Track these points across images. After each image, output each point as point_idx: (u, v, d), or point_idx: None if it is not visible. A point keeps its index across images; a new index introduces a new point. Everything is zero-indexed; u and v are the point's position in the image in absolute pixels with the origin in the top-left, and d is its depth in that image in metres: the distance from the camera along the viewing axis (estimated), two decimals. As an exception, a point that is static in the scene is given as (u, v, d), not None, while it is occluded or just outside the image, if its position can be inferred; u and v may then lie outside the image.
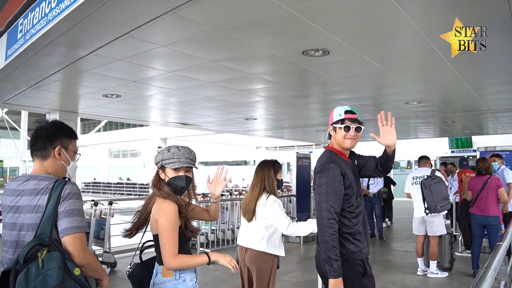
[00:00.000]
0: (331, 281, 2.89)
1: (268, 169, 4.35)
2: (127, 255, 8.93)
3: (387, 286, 6.58)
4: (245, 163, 38.85)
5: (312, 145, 26.32)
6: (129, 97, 8.19)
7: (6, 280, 2.07)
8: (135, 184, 37.82)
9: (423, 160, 7.73)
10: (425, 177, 7.07)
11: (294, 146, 28.27)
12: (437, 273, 7.16)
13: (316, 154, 24.56)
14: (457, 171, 11.08)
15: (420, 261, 7.40)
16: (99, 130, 38.81)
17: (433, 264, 7.20)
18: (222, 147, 30.72)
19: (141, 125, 25.41)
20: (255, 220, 4.25)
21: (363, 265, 3.11)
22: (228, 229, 9.96)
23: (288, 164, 28.56)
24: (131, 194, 35.27)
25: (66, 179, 2.37)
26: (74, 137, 2.56)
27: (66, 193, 2.23)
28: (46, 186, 2.25)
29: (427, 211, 6.97)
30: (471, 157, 18.15)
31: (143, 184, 35.03)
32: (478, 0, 3.90)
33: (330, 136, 3.31)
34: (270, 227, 4.18)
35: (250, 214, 4.25)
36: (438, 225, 7.14)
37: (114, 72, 6.25)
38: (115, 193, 37.63)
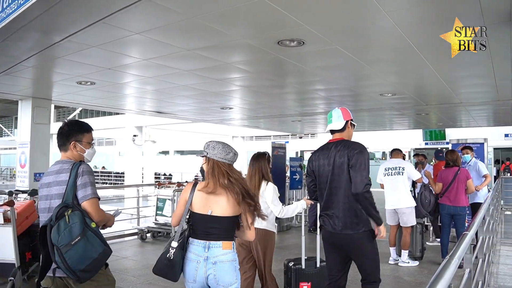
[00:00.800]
0: (381, 227, 3.98)
1: (263, 160, 4.96)
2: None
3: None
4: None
5: (288, 135, 26.43)
6: (104, 85, 8.10)
7: (44, 233, 3.01)
8: (110, 172, 37.47)
9: (395, 152, 7.88)
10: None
11: (270, 136, 28.31)
12: (408, 262, 7.31)
13: (292, 144, 24.68)
14: (431, 163, 11.28)
15: (392, 250, 7.54)
16: (74, 118, 38.25)
17: (404, 253, 7.35)
18: (199, 136, 30.57)
19: (117, 113, 25.07)
20: None
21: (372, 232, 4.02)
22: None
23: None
24: (106, 183, 34.95)
25: (82, 161, 3.30)
26: (87, 131, 3.38)
27: (81, 171, 3.15)
28: (67, 167, 3.19)
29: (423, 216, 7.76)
30: (444, 149, 18.48)
31: (118, 173, 34.73)
32: (450, -6, 3.97)
33: (344, 129, 4.14)
34: (267, 209, 4.72)
35: None
36: (409, 217, 7.28)
37: (88, 59, 6.17)
38: (89, 182, 37.09)
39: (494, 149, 23.62)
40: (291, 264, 5.38)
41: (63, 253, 2.92)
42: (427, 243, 8.62)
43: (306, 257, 5.40)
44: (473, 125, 16.37)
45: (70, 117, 35.37)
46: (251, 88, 8.75)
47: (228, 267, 3.23)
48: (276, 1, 3.97)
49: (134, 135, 23.04)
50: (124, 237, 9.97)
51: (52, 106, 10.93)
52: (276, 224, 10.13)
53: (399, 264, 7.36)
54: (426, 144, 24.89)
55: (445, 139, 23.43)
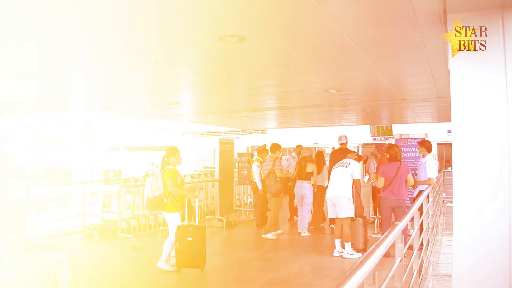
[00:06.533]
0: None
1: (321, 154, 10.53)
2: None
3: (305, 267, 6.82)
4: (174, 148, 38.29)
5: (238, 130, 26.37)
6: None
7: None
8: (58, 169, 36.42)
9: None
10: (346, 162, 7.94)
11: (221, 132, 28.21)
12: (352, 254, 7.49)
13: (243, 139, 24.70)
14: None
15: (337, 242, 7.72)
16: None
17: (347, 245, 7.54)
18: (149, 132, 30.20)
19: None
20: None
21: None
22: (151, 215, 9.63)
23: (215, 150, 28.55)
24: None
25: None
26: None
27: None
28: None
29: None
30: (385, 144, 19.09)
31: (66, 170, 33.83)
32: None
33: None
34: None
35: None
36: (344, 207, 7.52)
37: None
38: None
39: (438, 144, 24.36)
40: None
41: None
42: (371, 235, 8.87)
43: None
44: (418, 122, 16.88)
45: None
46: (198, 84, 8.74)
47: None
48: (214, -4, 3.98)
49: (82, 131, 22.40)
50: (70, 235, 9.76)
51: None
52: (224, 219, 10.33)
53: (343, 256, 7.54)
54: (374, 139, 25.33)
55: (392, 135, 23.92)
